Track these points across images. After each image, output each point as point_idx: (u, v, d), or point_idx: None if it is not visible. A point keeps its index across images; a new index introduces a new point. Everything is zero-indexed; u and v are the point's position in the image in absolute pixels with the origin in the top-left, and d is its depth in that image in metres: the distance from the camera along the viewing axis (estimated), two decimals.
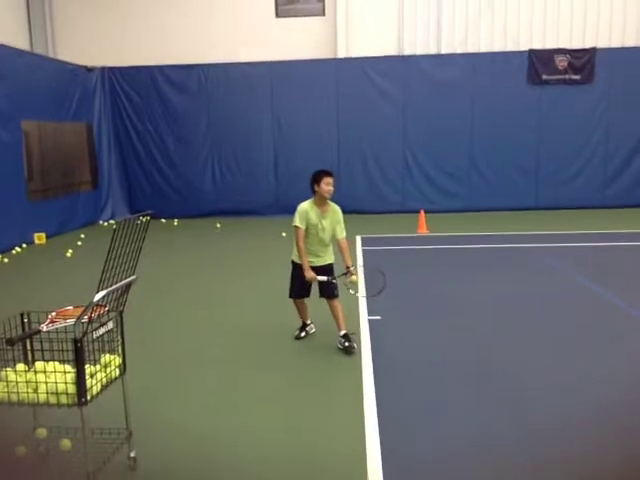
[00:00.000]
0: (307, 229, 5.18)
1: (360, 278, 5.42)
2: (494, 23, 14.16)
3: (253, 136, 14.37)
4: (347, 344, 5.18)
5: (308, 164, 14.01)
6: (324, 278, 5.23)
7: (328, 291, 5.29)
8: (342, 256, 5.25)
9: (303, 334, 5.65)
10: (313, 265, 5.24)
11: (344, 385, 4.57)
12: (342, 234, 5.34)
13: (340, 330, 5.29)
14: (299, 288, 5.42)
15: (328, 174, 5.13)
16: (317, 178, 5.10)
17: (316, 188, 5.12)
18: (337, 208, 5.32)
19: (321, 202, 5.18)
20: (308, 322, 5.71)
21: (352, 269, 5.21)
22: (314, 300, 5.54)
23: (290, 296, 5.53)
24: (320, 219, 5.18)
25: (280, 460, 3.51)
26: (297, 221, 5.15)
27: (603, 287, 7.15)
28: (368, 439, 3.71)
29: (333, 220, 5.26)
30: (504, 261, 8.92)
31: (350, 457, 3.50)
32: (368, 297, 5.44)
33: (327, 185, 5.09)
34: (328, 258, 5.37)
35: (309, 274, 5.17)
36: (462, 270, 8.39)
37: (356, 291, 5.48)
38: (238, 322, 6.26)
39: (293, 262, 5.44)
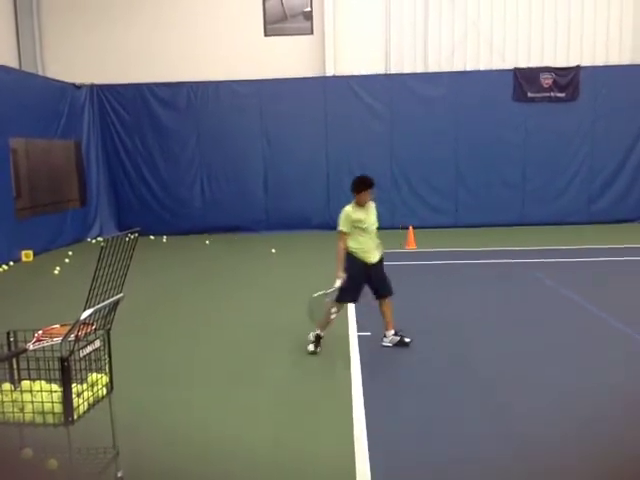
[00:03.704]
0: (357, 227, 5.55)
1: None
2: (480, 42, 14.40)
3: (242, 153, 14.42)
4: (402, 338, 5.72)
5: (297, 180, 14.16)
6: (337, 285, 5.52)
7: (385, 290, 5.67)
8: None
9: (319, 349, 5.64)
10: (370, 261, 5.60)
11: (333, 399, 4.57)
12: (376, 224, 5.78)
13: (392, 329, 5.76)
14: (355, 290, 5.60)
15: (369, 186, 5.56)
16: (359, 188, 5.56)
17: (356, 195, 5.59)
18: (373, 203, 5.75)
19: (362, 202, 5.62)
20: (323, 335, 5.68)
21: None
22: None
23: (340, 299, 5.62)
24: (365, 215, 5.60)
25: (271, 469, 3.53)
26: (340, 226, 5.60)
27: (589, 301, 7.21)
28: (357, 446, 3.75)
29: (374, 213, 5.73)
30: (491, 276, 8.97)
31: (338, 464, 3.51)
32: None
33: (365, 197, 5.57)
34: (379, 253, 5.72)
35: (338, 274, 5.51)
36: (450, 286, 8.44)
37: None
38: (226, 338, 6.25)
39: (349, 258, 5.60)
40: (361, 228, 5.54)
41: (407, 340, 5.75)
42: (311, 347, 5.64)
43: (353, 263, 5.55)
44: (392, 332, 5.78)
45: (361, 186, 5.54)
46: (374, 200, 5.71)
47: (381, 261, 5.73)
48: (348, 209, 5.58)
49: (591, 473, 3.50)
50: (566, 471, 3.51)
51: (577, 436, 3.91)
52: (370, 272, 5.61)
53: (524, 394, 4.61)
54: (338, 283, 5.49)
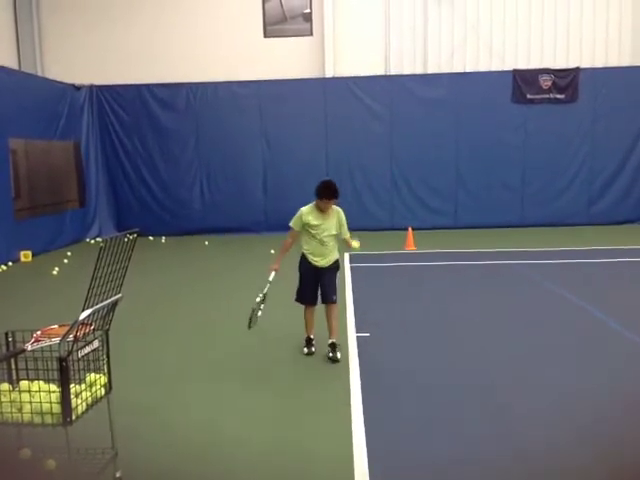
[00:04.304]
0: (307, 230, 5.47)
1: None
2: (479, 43, 14.41)
3: (242, 154, 14.42)
4: (331, 354, 5.41)
5: (297, 182, 14.13)
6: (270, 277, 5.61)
7: (326, 298, 5.53)
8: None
9: (313, 349, 5.64)
10: (316, 265, 5.51)
11: (332, 400, 4.56)
12: (347, 234, 5.63)
13: (330, 338, 5.50)
14: (306, 290, 5.57)
15: (331, 196, 5.35)
16: (319, 194, 5.37)
17: (317, 199, 5.42)
18: (339, 209, 5.60)
19: (321, 208, 5.46)
20: (312, 337, 5.70)
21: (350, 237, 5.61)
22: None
23: (296, 299, 5.66)
24: (321, 220, 5.44)
25: (270, 470, 3.53)
26: (291, 222, 5.56)
27: (588, 303, 7.21)
28: (355, 449, 3.73)
29: (335, 221, 5.52)
30: (490, 278, 8.97)
31: (337, 465, 3.50)
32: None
33: (324, 205, 5.40)
34: (332, 258, 5.57)
35: (273, 266, 5.62)
36: (449, 287, 8.43)
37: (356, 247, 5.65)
38: (224, 339, 6.24)
39: (301, 257, 5.59)
40: (309, 232, 5.47)
41: (334, 356, 5.38)
42: (305, 350, 5.65)
43: (302, 263, 5.60)
44: (330, 341, 5.47)
45: (323, 192, 5.31)
46: (338, 204, 5.57)
47: (333, 268, 5.57)
48: (304, 209, 5.51)
49: (591, 474, 3.49)
50: (566, 472, 3.50)
51: (577, 437, 3.91)
52: (318, 275, 5.54)
53: (524, 395, 4.60)
54: (271, 276, 5.56)
